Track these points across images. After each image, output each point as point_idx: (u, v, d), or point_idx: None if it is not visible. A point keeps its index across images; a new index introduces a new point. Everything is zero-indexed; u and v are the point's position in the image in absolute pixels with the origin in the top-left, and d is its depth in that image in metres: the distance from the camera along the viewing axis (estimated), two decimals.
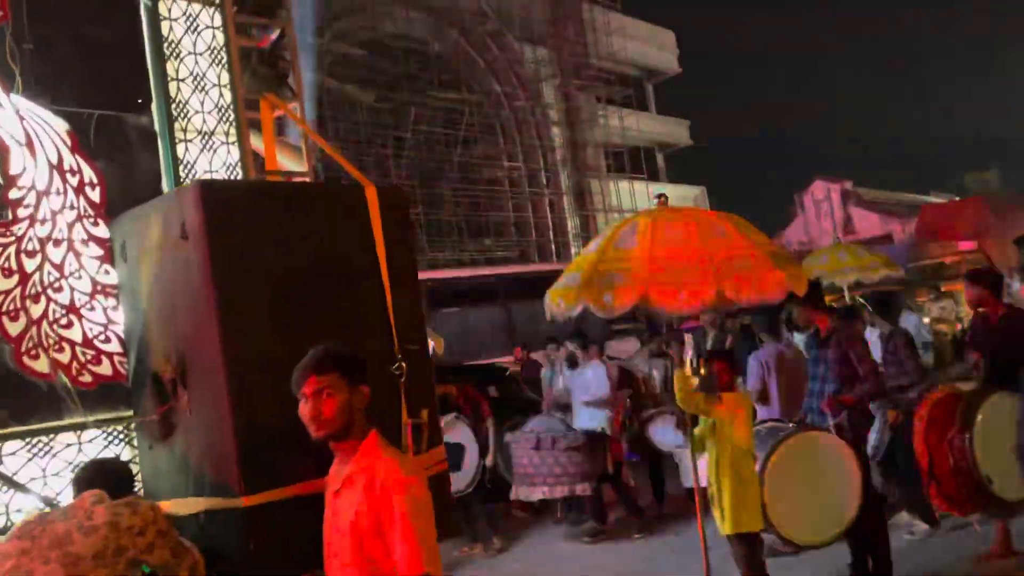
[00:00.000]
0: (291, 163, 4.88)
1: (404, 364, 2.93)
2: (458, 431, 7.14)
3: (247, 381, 2.74)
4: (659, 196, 4.51)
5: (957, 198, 29.43)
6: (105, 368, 3.32)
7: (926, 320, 9.02)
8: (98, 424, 3.33)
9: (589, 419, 7.27)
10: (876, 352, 5.99)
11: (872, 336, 6.50)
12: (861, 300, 9.58)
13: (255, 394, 2.73)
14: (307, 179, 4.81)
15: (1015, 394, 4.74)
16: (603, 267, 4.26)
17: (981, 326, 5.34)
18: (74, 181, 3.34)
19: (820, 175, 31.03)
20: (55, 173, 3.29)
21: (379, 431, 2.37)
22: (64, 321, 3.20)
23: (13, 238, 3.14)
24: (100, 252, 3.32)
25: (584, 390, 7.43)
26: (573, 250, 22.85)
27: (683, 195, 28.58)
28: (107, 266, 3.32)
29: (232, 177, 4.01)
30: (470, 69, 22.85)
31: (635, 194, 24.70)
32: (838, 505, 4.78)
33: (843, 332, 5.21)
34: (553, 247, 23.67)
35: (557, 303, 4.32)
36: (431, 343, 6.85)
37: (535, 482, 6.87)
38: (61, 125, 3.33)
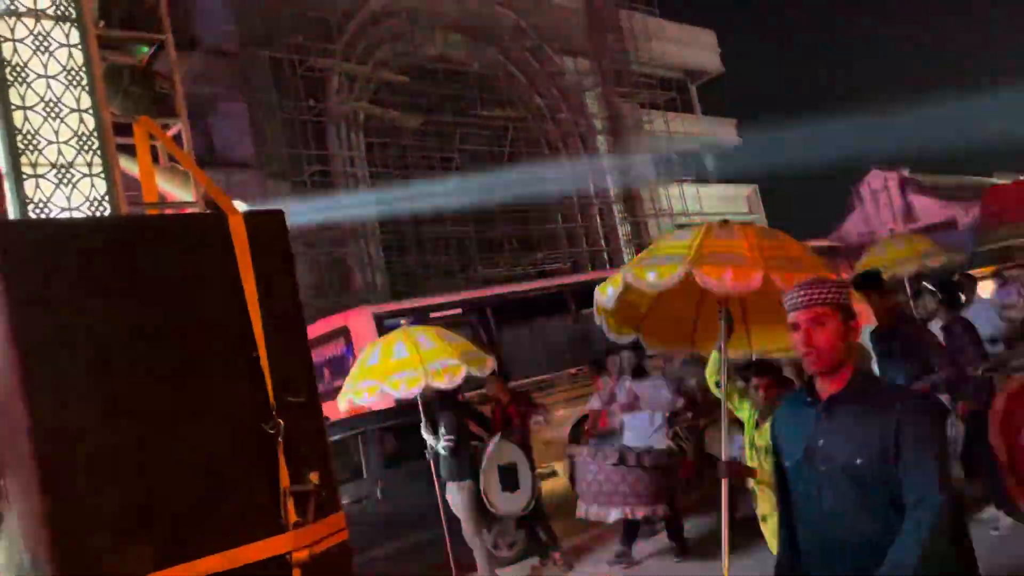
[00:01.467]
0: (180, 191, 4.33)
1: (281, 420, 2.41)
2: (508, 450, 7.05)
3: (65, 461, 2.21)
4: (723, 223, 4.37)
5: (1022, 178, 28.40)
6: None
7: (996, 306, 8.72)
8: None
9: (645, 436, 7.07)
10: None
11: (935, 327, 6.32)
12: (929, 287, 9.32)
13: (75, 476, 2.22)
14: (195, 209, 4.20)
15: None
16: (647, 254, 4.25)
17: None
18: None
19: (876, 165, 30.31)
20: None
21: (247, 502, 2.19)
22: None
23: None
24: None
25: (649, 403, 7.27)
26: (625, 257, 22.73)
27: (734, 194, 28.22)
28: None
29: (99, 212, 3.51)
30: (512, 86, 22.98)
31: (685, 197, 24.48)
32: None
33: (909, 323, 5.09)
34: (605, 256, 23.57)
35: (605, 291, 4.21)
36: (488, 361, 6.78)
37: (613, 501, 6.55)
38: None
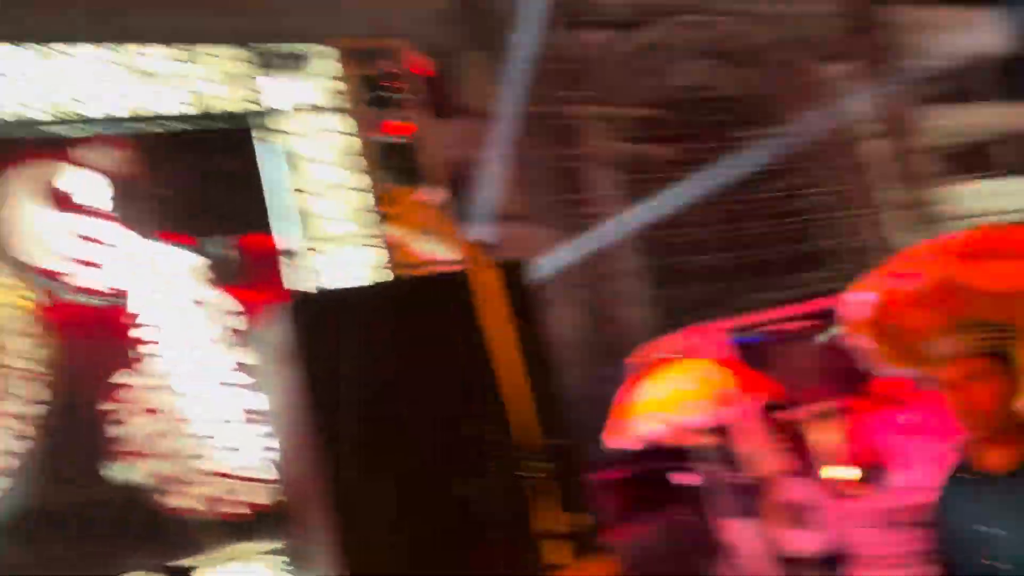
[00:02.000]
0: (443, 251, 4.59)
1: (541, 465, 2.38)
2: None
3: (349, 507, 2.34)
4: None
5: None
6: (253, 497, 3.30)
7: None
8: (256, 554, 3.08)
9: None
10: None
11: None
12: None
13: (365, 522, 2.31)
14: (462, 266, 4.43)
15: None
16: None
17: None
18: (205, 312, 3.58)
19: None
20: (186, 307, 3.58)
21: (509, 546, 2.22)
22: (212, 454, 3.28)
23: (149, 377, 3.40)
24: (236, 378, 3.49)
25: None
26: None
27: None
28: (244, 391, 3.44)
29: (375, 279, 3.84)
30: (767, 103, 22.16)
31: (980, 195, 21.88)
32: None
33: None
34: None
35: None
36: None
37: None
38: (190, 259, 3.66)
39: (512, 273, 3.04)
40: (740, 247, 20.45)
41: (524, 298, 2.97)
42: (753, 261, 20.26)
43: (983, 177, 22.86)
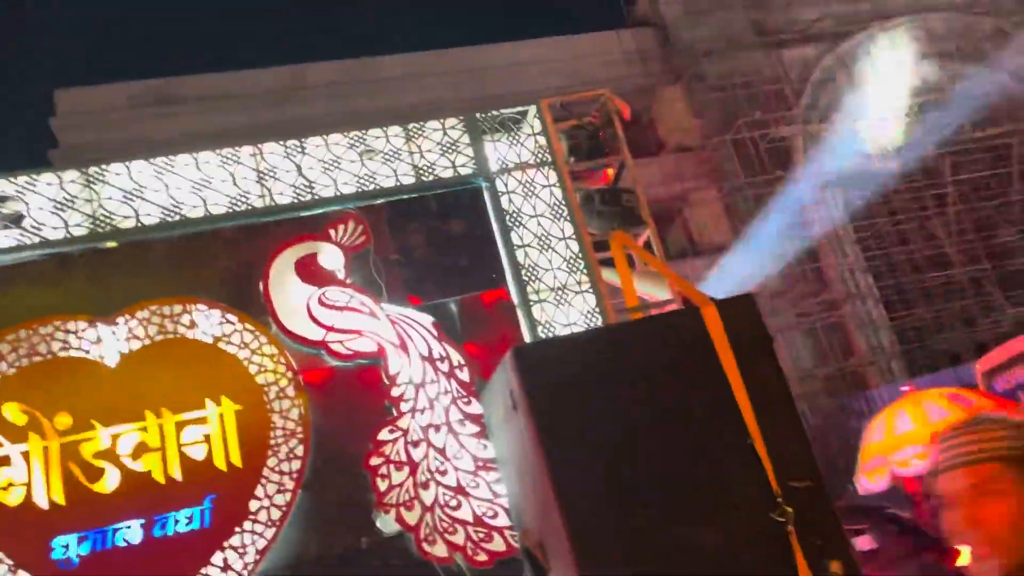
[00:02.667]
0: (658, 291, 4.51)
1: (788, 507, 2.34)
2: None
3: (594, 553, 2.43)
4: None
5: None
6: (497, 544, 3.39)
7: None
8: None
9: None
10: None
11: None
12: None
13: (604, 565, 2.42)
14: (673, 306, 4.45)
15: None
16: None
17: None
18: (444, 367, 3.70)
19: None
20: (427, 364, 3.72)
21: None
22: (454, 503, 3.32)
23: (400, 432, 3.58)
24: (476, 429, 3.56)
25: None
26: None
27: None
28: (484, 441, 3.47)
29: (592, 324, 3.84)
30: (1007, 98, 20.09)
31: None
32: None
33: None
34: None
35: None
36: None
37: None
38: (426, 319, 3.80)
39: (736, 308, 2.83)
40: (986, 259, 18.49)
41: (751, 333, 2.78)
42: (1003, 273, 18.21)
43: None
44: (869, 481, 6.05)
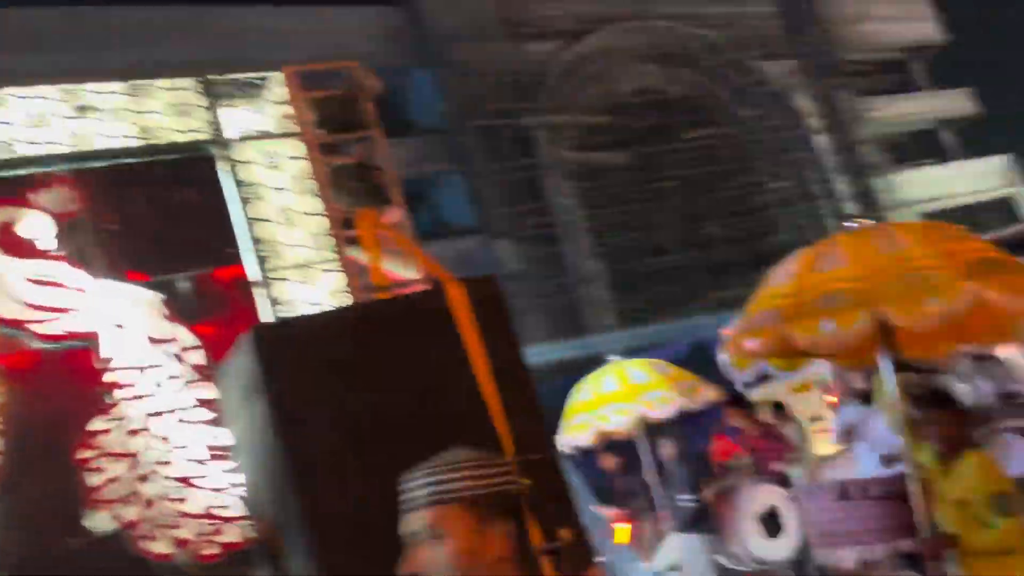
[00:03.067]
0: (406, 271, 4.47)
1: (525, 479, 2.47)
2: (765, 493, 6.42)
3: (333, 538, 2.35)
4: (855, 218, 3.65)
5: None
6: (230, 535, 3.17)
7: None
8: None
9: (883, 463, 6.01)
10: None
11: None
12: None
13: (344, 550, 2.31)
14: (420, 285, 4.30)
15: None
16: (809, 295, 3.28)
17: None
18: (173, 349, 3.46)
19: None
20: (151, 346, 3.47)
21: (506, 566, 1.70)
22: (179, 496, 3.08)
23: (116, 421, 3.26)
24: (209, 415, 3.26)
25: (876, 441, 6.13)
26: None
27: (983, 169, 25.37)
28: (218, 428, 3.23)
29: (339, 303, 3.60)
30: (714, 103, 22.52)
31: (926, 181, 22.45)
32: None
33: None
34: None
35: (745, 346, 3.38)
36: (700, 390, 6.29)
37: (845, 542, 5.59)
38: (151, 296, 3.54)
39: (481, 289, 2.87)
40: (699, 247, 20.70)
41: (494, 313, 2.81)
42: (714, 261, 20.48)
43: (927, 164, 23.45)
44: (572, 438, 6.50)
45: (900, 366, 3.52)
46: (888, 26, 25.30)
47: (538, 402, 2.89)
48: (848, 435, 6.52)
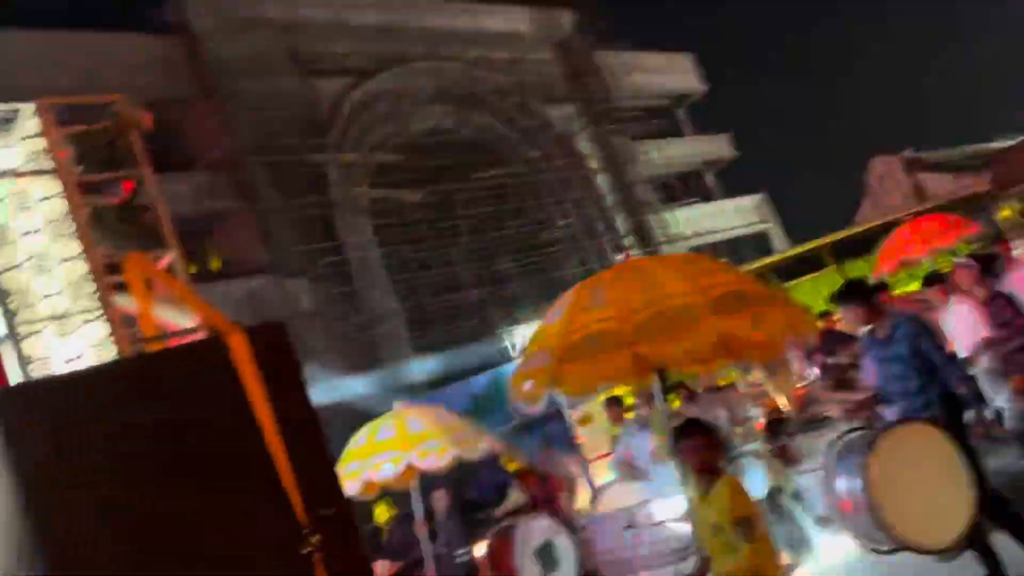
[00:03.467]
0: (181, 319, 4.14)
1: (318, 536, 2.31)
2: (539, 529, 6.38)
3: None
4: (623, 249, 3.96)
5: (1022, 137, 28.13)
6: None
7: None
8: None
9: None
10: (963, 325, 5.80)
11: (961, 308, 6.15)
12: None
13: None
14: (198, 335, 3.99)
15: None
16: (577, 335, 3.48)
17: None
18: None
19: (878, 151, 30.21)
20: None
21: None
22: None
23: None
24: None
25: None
26: None
27: (742, 206, 28.19)
28: None
29: (102, 357, 3.37)
30: (504, 144, 23.38)
31: (693, 219, 24.52)
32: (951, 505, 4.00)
33: (911, 326, 4.49)
34: None
35: (524, 388, 3.51)
36: (479, 442, 6.08)
37: (633, 568, 5.72)
38: None
39: (266, 336, 2.72)
40: (493, 283, 21.24)
41: (282, 362, 2.65)
42: (507, 295, 21.06)
43: (693, 203, 25.63)
44: (344, 486, 6.27)
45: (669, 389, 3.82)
46: (655, 76, 27.60)
47: (329, 453, 2.79)
48: (627, 463, 6.70)
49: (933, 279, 6.50)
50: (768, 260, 16.08)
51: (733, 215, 27.22)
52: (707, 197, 27.96)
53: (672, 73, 29.18)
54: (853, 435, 4.43)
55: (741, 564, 3.19)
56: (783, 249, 23.50)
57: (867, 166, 29.83)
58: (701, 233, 24.37)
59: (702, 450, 3.36)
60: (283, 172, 18.37)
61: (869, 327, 4.57)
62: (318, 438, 2.74)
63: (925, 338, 4.38)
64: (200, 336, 3.92)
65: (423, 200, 20.91)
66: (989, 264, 6.48)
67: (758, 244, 27.78)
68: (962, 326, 5.94)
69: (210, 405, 2.58)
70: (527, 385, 3.44)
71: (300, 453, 2.50)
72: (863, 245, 13.10)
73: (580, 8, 25.33)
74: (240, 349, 2.58)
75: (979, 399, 5.48)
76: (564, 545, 6.44)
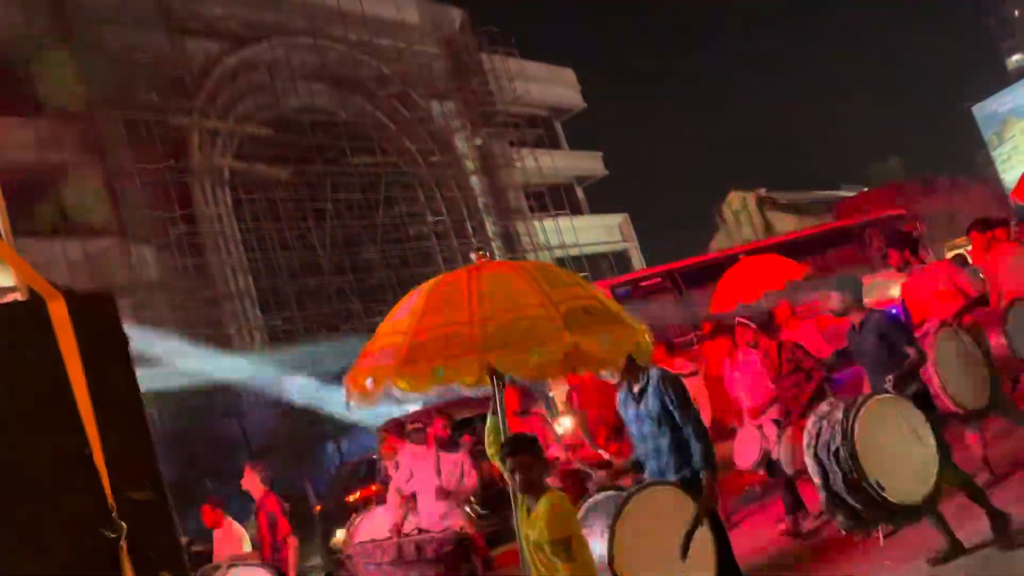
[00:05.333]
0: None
1: (123, 522, 2.24)
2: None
3: None
4: (478, 250, 3.87)
5: (865, 189, 30.59)
6: None
7: None
8: None
9: (437, 513, 5.80)
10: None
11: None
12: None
13: None
14: (17, 295, 3.84)
15: None
16: (426, 335, 3.38)
17: None
18: None
19: (733, 186, 31.95)
20: None
21: None
22: None
23: None
24: None
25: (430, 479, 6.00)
26: None
27: (608, 224, 29.09)
28: None
29: None
30: (381, 132, 23.00)
31: (561, 230, 25.02)
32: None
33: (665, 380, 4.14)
34: None
35: (364, 384, 3.36)
36: None
37: None
38: None
39: (92, 305, 2.38)
40: (356, 271, 20.84)
41: (107, 335, 2.33)
42: (369, 285, 20.69)
43: (561, 215, 26.16)
44: None
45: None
46: (538, 86, 28.01)
47: (149, 436, 2.60)
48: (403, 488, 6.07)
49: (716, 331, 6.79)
50: (619, 279, 16.73)
51: (597, 231, 28.02)
52: (576, 211, 28.63)
53: (555, 85, 29.72)
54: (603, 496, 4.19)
55: None
56: (638, 269, 24.41)
57: (724, 200, 31.56)
58: (566, 245, 24.91)
59: (526, 468, 3.30)
60: (139, 131, 17.28)
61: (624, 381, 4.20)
62: (137, 418, 2.54)
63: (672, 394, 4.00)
64: (18, 297, 3.60)
65: (289, 179, 20.24)
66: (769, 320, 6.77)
67: (619, 261, 28.72)
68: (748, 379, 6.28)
69: (19, 373, 2.36)
70: (368, 382, 3.28)
71: (116, 432, 2.37)
72: (707, 274, 13.87)
73: (470, 8, 25.41)
74: (59, 316, 2.40)
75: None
76: None
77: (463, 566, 5.43)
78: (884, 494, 3.97)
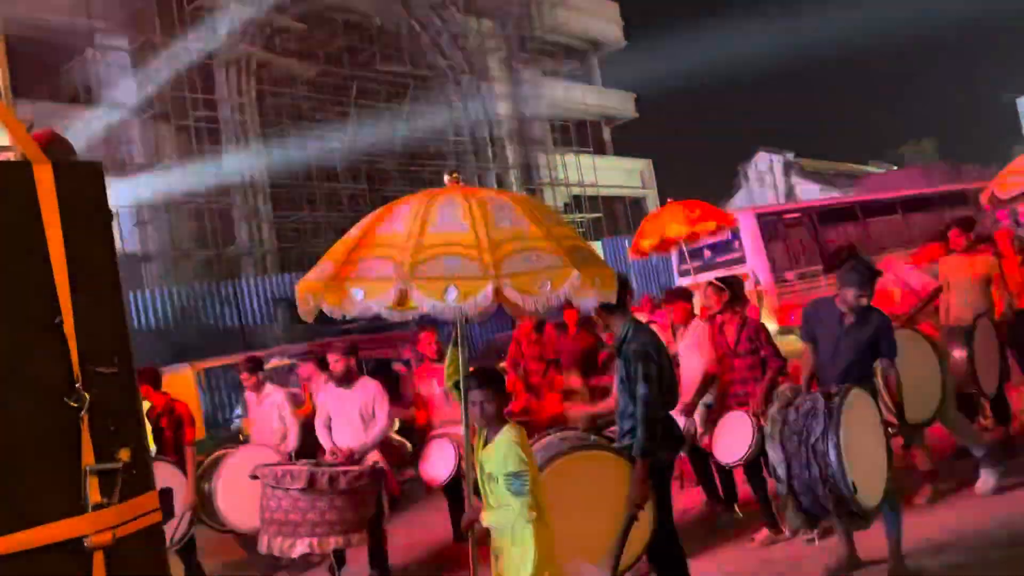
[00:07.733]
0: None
1: (87, 392, 2.25)
2: (160, 471, 5.27)
3: None
4: (451, 173, 3.68)
5: (895, 168, 30.10)
6: None
7: None
8: None
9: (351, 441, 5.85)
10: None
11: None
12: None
13: None
14: (10, 155, 3.83)
15: None
16: (364, 253, 3.32)
17: None
18: None
19: (764, 146, 31.43)
20: None
21: (45, 480, 2.05)
22: None
23: None
24: None
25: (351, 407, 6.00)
26: None
27: (630, 168, 28.72)
28: None
29: None
30: (414, 43, 22.54)
31: (581, 167, 24.74)
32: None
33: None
34: None
35: (306, 300, 3.27)
36: None
37: (299, 532, 5.25)
38: None
39: (79, 173, 2.38)
40: (371, 179, 20.71)
41: (92, 204, 2.36)
42: (384, 195, 20.57)
43: (585, 152, 25.82)
44: None
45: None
46: (578, 16, 27.31)
47: (122, 312, 2.61)
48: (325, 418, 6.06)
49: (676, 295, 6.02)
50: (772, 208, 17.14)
51: (618, 174, 27.71)
52: (600, 151, 28.27)
53: (597, 18, 28.98)
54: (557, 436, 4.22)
55: (510, 516, 3.21)
56: None
57: (751, 159, 31.08)
58: (584, 184, 24.66)
59: (489, 401, 3.34)
60: (170, 6, 16.98)
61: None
62: (113, 292, 2.55)
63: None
64: (11, 157, 3.59)
65: (317, 78, 19.94)
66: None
67: (633, 209, 28.51)
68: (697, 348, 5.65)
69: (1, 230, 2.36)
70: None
71: (90, 303, 2.38)
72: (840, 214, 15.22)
73: None
74: (45, 182, 2.39)
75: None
76: (180, 499, 5.60)
77: (372, 499, 5.43)
78: (856, 496, 3.79)
